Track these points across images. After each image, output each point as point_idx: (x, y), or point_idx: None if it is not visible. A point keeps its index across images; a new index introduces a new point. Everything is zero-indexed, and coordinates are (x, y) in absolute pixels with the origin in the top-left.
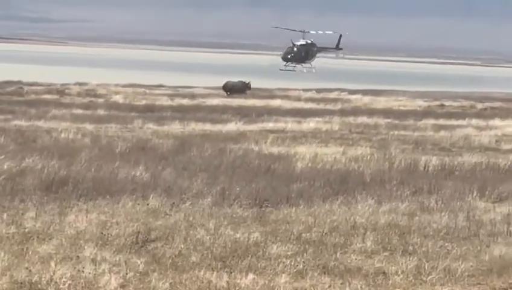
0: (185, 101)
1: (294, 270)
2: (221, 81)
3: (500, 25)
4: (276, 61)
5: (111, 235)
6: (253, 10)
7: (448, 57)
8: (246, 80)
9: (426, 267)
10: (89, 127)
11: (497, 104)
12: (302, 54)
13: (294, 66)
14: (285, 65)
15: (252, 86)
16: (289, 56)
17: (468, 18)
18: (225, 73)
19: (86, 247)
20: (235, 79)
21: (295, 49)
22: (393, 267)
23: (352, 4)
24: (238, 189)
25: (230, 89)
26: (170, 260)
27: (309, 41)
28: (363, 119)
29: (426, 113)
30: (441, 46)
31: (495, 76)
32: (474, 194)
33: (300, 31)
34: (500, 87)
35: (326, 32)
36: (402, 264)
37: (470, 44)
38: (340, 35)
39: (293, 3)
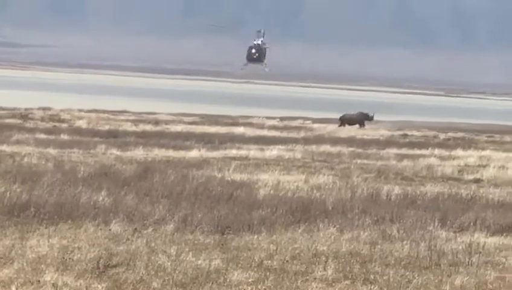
0: (149, 127)
1: None
2: (184, 107)
3: (462, 55)
4: (241, 89)
5: (72, 260)
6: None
7: (411, 86)
8: (366, 111)
9: None
10: (52, 151)
11: (460, 134)
12: (264, 53)
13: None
14: (245, 64)
15: (215, 112)
16: (255, 56)
17: (430, 48)
18: (188, 99)
19: (47, 271)
20: (349, 111)
21: (256, 49)
22: None
23: (315, 32)
24: (200, 215)
25: (346, 122)
26: (131, 286)
27: (262, 40)
28: (326, 147)
29: (389, 142)
30: (404, 75)
31: (458, 106)
32: (436, 224)
33: (258, 31)
34: (463, 118)
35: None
36: None
37: (433, 74)
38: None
39: (254, 33)
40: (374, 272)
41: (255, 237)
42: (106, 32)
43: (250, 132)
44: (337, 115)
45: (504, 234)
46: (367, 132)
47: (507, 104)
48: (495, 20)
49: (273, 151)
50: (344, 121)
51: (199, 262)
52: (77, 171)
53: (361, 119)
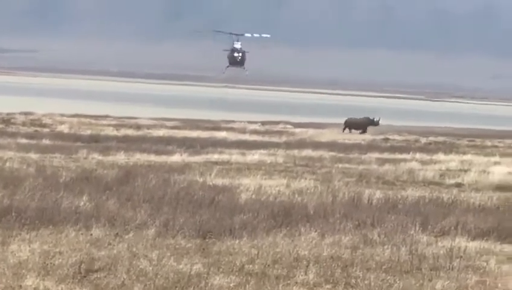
0: (130, 132)
1: None
2: (166, 112)
3: (443, 59)
4: (223, 94)
5: (54, 265)
6: (197, 42)
7: (392, 90)
8: (371, 116)
9: None
10: (33, 156)
11: (441, 138)
12: (244, 57)
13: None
14: (227, 67)
15: (197, 117)
16: (238, 59)
17: (411, 52)
18: (170, 104)
19: (28, 276)
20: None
21: (239, 52)
22: None
23: (295, 36)
24: (181, 220)
25: (351, 126)
26: None
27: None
28: (307, 152)
29: (371, 146)
30: (385, 79)
31: (439, 110)
32: (417, 228)
33: (235, 34)
34: (444, 122)
35: (263, 35)
36: None
37: (414, 78)
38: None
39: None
40: (355, 277)
41: (237, 241)
42: (89, 37)
43: (232, 136)
44: (319, 120)
45: (485, 238)
46: (348, 136)
47: (487, 108)
48: (476, 24)
49: (254, 156)
50: (348, 125)
51: (181, 267)
52: (59, 176)
53: (366, 123)
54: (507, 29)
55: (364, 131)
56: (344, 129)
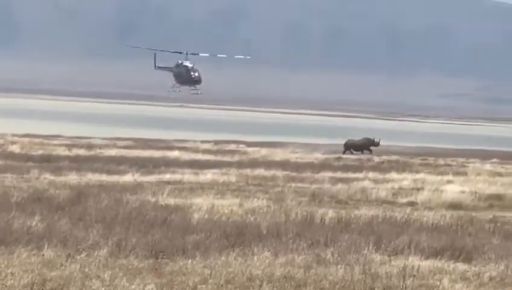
0: (82, 152)
1: None
2: (118, 131)
3: (394, 78)
4: (176, 113)
5: (5, 286)
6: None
7: (344, 109)
8: (372, 136)
9: None
10: None
11: (394, 157)
12: (196, 74)
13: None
14: (174, 86)
15: (149, 136)
16: (196, 79)
17: (363, 71)
18: (122, 123)
19: None
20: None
21: (194, 71)
22: None
23: (250, 56)
24: (134, 240)
25: (351, 147)
26: None
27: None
28: (260, 171)
29: (323, 165)
30: (337, 98)
31: (392, 129)
32: (371, 247)
33: (183, 53)
34: (397, 141)
35: (218, 55)
36: None
37: (366, 97)
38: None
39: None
40: None
41: (189, 261)
42: (40, 56)
43: (184, 155)
44: (272, 139)
45: (438, 257)
46: (301, 156)
47: (441, 126)
48: (425, 44)
49: (207, 175)
50: (348, 146)
51: (133, 287)
52: (10, 196)
53: (366, 144)
54: (455, 48)
55: (365, 151)
56: (344, 151)
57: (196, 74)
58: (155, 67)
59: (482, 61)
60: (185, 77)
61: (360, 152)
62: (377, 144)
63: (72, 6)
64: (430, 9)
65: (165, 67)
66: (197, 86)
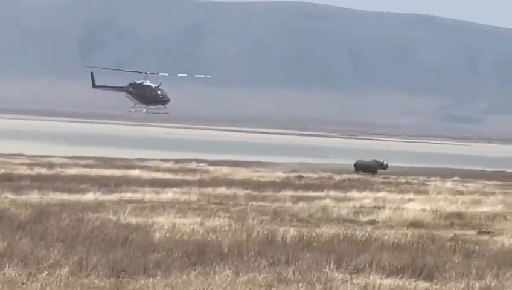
0: (44, 171)
1: None
2: (79, 150)
3: (357, 97)
4: (137, 132)
5: None
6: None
7: (306, 128)
8: (380, 159)
9: None
10: None
11: (355, 176)
12: (164, 94)
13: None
14: (136, 105)
15: (110, 155)
16: (165, 98)
17: (325, 90)
18: (83, 142)
19: None
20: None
21: (154, 90)
22: None
23: (208, 73)
24: (95, 259)
25: (361, 168)
26: None
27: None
28: (221, 189)
29: (285, 184)
30: (300, 116)
31: (352, 147)
32: (332, 266)
33: (143, 72)
34: (358, 159)
35: (179, 75)
36: None
37: (329, 115)
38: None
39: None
40: None
41: (151, 280)
42: (0, 75)
43: (145, 174)
44: (233, 157)
45: (399, 276)
46: (263, 174)
47: (402, 145)
48: (391, 62)
49: (168, 194)
50: (358, 167)
51: None
52: None
53: (375, 167)
54: (416, 66)
55: (374, 173)
56: (355, 171)
57: (164, 94)
58: (93, 86)
59: (443, 79)
60: (152, 97)
61: (370, 173)
62: (385, 167)
63: (34, 25)
64: (392, 28)
65: (108, 86)
66: (166, 105)
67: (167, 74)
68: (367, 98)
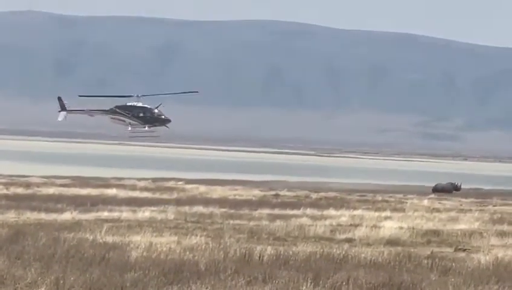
0: (20, 190)
1: None
2: (56, 169)
3: (333, 116)
4: (114, 151)
5: None
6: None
7: (283, 146)
8: (455, 181)
9: None
10: None
11: (332, 193)
12: (157, 115)
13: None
14: (134, 126)
15: (87, 174)
16: (164, 118)
17: (301, 109)
18: (60, 162)
19: None
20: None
21: (152, 112)
22: None
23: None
24: (72, 278)
25: (440, 191)
26: None
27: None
28: (198, 208)
29: (261, 202)
30: (276, 136)
31: (329, 166)
32: (309, 284)
33: (134, 96)
34: (334, 178)
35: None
36: None
37: (305, 134)
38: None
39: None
40: None
41: None
42: None
43: (122, 193)
44: (211, 176)
45: None
46: (240, 193)
47: (379, 163)
48: (368, 81)
49: (145, 213)
50: (437, 190)
51: None
52: None
53: (451, 189)
54: (393, 85)
55: (450, 193)
56: (434, 193)
57: (163, 114)
58: (64, 109)
59: (420, 97)
60: (153, 118)
61: (447, 194)
62: (459, 189)
63: (7, 43)
64: (369, 46)
65: (84, 110)
66: (167, 124)
67: (137, 95)
68: (343, 116)
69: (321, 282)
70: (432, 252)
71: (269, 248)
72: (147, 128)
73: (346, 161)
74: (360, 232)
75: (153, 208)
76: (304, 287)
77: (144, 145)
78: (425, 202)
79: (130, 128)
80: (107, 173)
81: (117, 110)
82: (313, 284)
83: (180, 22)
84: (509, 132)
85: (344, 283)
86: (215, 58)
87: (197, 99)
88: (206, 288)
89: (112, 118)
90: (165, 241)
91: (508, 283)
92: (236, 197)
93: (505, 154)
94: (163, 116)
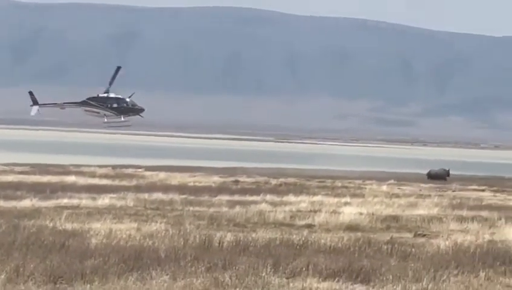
0: None
1: None
2: (15, 157)
3: (291, 102)
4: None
5: None
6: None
7: (243, 133)
8: (446, 167)
9: None
10: None
11: (291, 179)
12: (131, 105)
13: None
14: (110, 117)
15: (46, 162)
16: (138, 108)
17: (260, 95)
18: (19, 149)
19: None
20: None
21: (127, 102)
22: None
23: (140, 80)
24: (32, 266)
25: (433, 176)
26: None
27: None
28: (158, 195)
29: (221, 189)
30: (235, 122)
31: (288, 151)
32: (269, 270)
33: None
34: (294, 163)
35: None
36: None
37: (264, 120)
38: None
39: (87, 80)
40: None
41: (88, 286)
42: None
43: (81, 180)
44: (170, 163)
45: (336, 279)
46: (199, 179)
47: (338, 148)
48: (326, 67)
49: (105, 200)
50: (433, 176)
51: None
52: None
53: (444, 175)
54: (351, 71)
55: (443, 179)
56: (428, 178)
57: (135, 103)
58: (36, 104)
59: (378, 83)
60: (127, 108)
61: (443, 180)
62: (449, 174)
63: None
64: (328, 33)
65: (57, 104)
66: (141, 114)
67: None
68: (302, 102)
69: (281, 268)
70: (391, 238)
71: (229, 235)
72: (122, 118)
73: (306, 146)
74: (319, 218)
75: (112, 195)
76: (264, 273)
77: (102, 133)
78: (385, 188)
79: (106, 120)
80: (66, 160)
81: (90, 102)
82: (272, 270)
83: (138, 9)
84: (466, 118)
85: (304, 269)
86: (173, 45)
87: (156, 87)
88: (166, 275)
89: (85, 110)
90: (125, 228)
91: (467, 268)
92: (196, 183)
93: (463, 140)
94: (137, 106)
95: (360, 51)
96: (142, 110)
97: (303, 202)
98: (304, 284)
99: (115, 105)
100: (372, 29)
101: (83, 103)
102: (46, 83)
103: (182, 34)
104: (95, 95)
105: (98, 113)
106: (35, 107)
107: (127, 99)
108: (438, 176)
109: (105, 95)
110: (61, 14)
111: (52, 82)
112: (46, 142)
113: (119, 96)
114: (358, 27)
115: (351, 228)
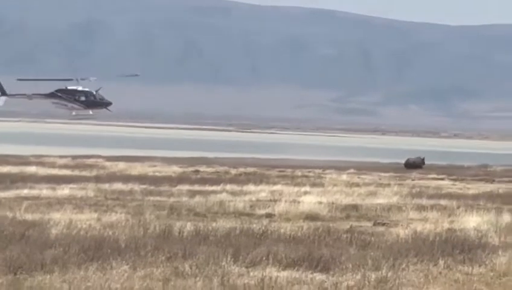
0: None
1: None
2: None
3: (249, 91)
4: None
5: None
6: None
7: (202, 122)
8: (421, 156)
9: None
10: None
11: (251, 169)
12: (99, 99)
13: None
14: (78, 110)
15: (6, 152)
16: (105, 101)
17: (219, 85)
18: None
19: None
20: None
21: (95, 96)
22: None
23: (99, 69)
24: None
25: (411, 165)
26: None
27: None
28: (118, 185)
29: (181, 178)
30: (194, 112)
31: (248, 141)
32: (229, 259)
33: (73, 79)
34: (253, 153)
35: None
36: None
37: (223, 110)
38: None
39: (55, 69)
40: None
41: (48, 276)
42: None
43: (41, 171)
44: (130, 153)
45: (296, 268)
46: (159, 169)
47: (298, 138)
48: (284, 56)
49: (65, 190)
50: (410, 165)
51: None
52: None
53: (421, 163)
54: (309, 60)
55: (420, 167)
56: (406, 167)
57: (103, 97)
58: (5, 94)
59: (337, 72)
60: (95, 102)
61: (419, 169)
62: (424, 162)
63: None
64: (286, 22)
65: (26, 94)
66: (109, 107)
67: (95, 78)
68: (261, 92)
69: (241, 257)
70: (351, 227)
71: (189, 224)
72: (91, 112)
73: (265, 136)
74: (279, 208)
75: (72, 186)
76: (224, 263)
77: (62, 123)
78: (344, 177)
79: (74, 113)
80: (26, 151)
81: (58, 94)
82: (232, 259)
83: None
84: (426, 107)
85: (264, 258)
86: (132, 34)
87: (115, 76)
88: (127, 264)
89: (53, 102)
90: (85, 219)
91: (426, 256)
92: (156, 173)
93: (422, 129)
94: (104, 100)
95: (319, 40)
96: (109, 103)
97: (263, 191)
98: (264, 273)
99: (83, 98)
100: (330, 18)
101: (51, 95)
102: (11, 73)
103: (141, 23)
104: (63, 87)
105: (66, 105)
106: (3, 98)
107: (95, 93)
108: (415, 165)
109: (74, 87)
110: (23, 3)
111: (17, 72)
112: (8, 133)
113: (87, 89)
114: (317, 16)
115: (311, 217)
